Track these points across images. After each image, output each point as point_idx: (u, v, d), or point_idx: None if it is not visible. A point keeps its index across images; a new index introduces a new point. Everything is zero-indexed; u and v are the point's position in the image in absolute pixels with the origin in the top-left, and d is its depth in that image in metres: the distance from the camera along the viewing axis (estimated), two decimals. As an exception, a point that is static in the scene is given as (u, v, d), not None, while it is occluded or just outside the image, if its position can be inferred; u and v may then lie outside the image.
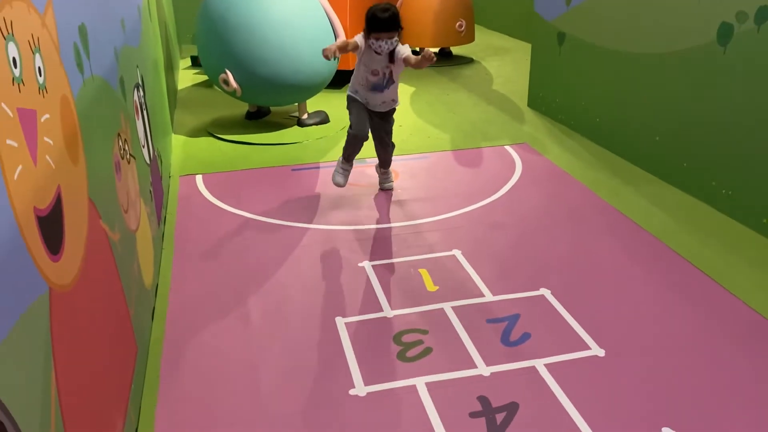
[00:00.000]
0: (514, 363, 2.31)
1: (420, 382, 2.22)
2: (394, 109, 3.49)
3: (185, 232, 3.32)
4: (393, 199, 3.65)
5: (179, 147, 4.57)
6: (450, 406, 2.12)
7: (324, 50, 3.11)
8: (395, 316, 2.60)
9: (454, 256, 3.05)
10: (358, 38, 3.23)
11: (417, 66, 3.14)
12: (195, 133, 4.85)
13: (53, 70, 1.56)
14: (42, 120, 1.42)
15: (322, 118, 4.97)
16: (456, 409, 2.10)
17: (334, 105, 5.32)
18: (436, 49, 7.29)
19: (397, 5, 6.83)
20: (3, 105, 1.20)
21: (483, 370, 2.28)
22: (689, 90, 3.52)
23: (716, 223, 3.32)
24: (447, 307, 2.65)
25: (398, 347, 2.41)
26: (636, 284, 2.80)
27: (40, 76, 1.45)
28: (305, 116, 4.92)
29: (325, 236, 3.26)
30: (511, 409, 2.10)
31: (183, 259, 3.05)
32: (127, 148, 2.44)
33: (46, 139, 1.43)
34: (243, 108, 5.19)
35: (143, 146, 2.91)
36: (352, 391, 2.19)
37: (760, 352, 2.35)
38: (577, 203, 3.58)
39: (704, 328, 2.49)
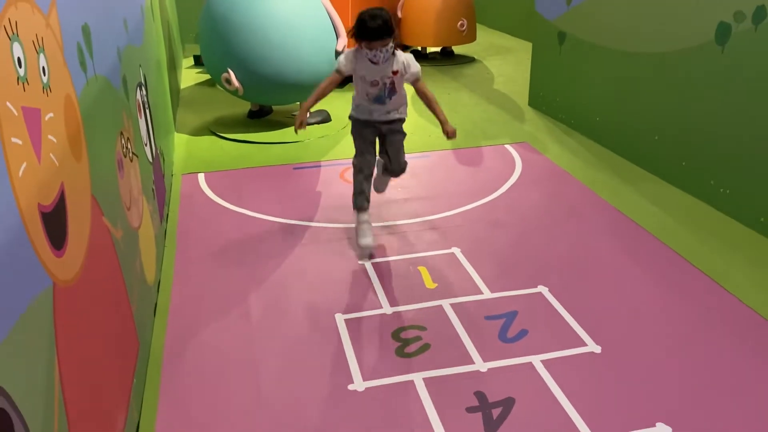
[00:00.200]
0: (511, 359, 2.34)
1: (418, 378, 2.25)
2: (403, 120, 3.06)
3: (187, 230, 3.35)
4: (393, 197, 3.68)
5: (182, 145, 4.60)
6: (447, 401, 2.15)
7: (295, 126, 3.01)
8: (394, 312, 2.63)
9: (453, 254, 3.08)
10: (342, 60, 2.90)
11: (427, 104, 2.97)
12: (197, 131, 4.89)
13: (57, 69, 1.59)
14: (46, 118, 1.45)
15: (324, 117, 5.00)
16: (453, 404, 2.13)
17: (336, 104, 5.34)
18: (438, 49, 7.32)
19: (399, 5, 6.86)
20: (8, 104, 1.23)
21: (480, 366, 2.31)
22: (688, 89, 3.54)
23: (714, 221, 3.34)
24: (446, 304, 2.68)
25: (397, 343, 2.44)
26: (634, 282, 2.82)
27: (44, 75, 1.48)
28: (307, 115, 4.94)
29: (326, 234, 3.29)
30: (507, 404, 2.13)
31: (185, 257, 3.09)
32: (129, 146, 2.47)
33: (50, 137, 1.46)
34: (245, 107, 5.22)
35: (146, 145, 2.95)
36: (350, 387, 2.22)
37: (756, 349, 2.38)
38: (576, 202, 3.60)
39: (701, 325, 2.52)
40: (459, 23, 6.72)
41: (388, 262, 3.02)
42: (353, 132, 3.08)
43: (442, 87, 6.06)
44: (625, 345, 2.41)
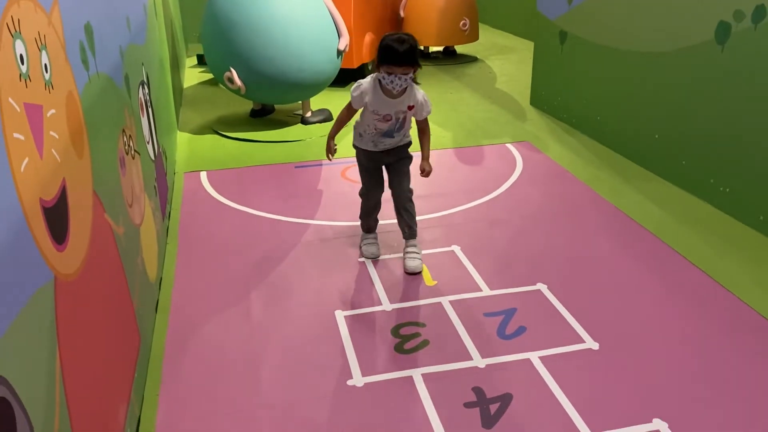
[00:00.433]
0: (509, 355, 2.36)
1: (416, 374, 2.27)
2: (409, 143, 2.92)
3: (189, 228, 3.37)
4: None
5: (184, 144, 4.63)
6: (445, 397, 2.16)
7: (328, 156, 2.92)
8: (394, 309, 2.65)
9: (453, 251, 3.09)
10: (355, 94, 2.76)
11: (420, 137, 2.84)
12: (200, 130, 4.92)
13: (59, 66, 1.61)
14: (48, 115, 1.48)
15: (326, 116, 5.02)
16: (451, 400, 2.15)
17: (338, 103, 5.36)
18: (440, 48, 7.33)
19: (401, 5, 6.88)
20: (10, 100, 1.25)
21: (478, 362, 2.33)
22: (688, 88, 3.55)
23: (714, 220, 3.35)
24: (445, 301, 2.70)
25: (396, 340, 2.46)
26: (633, 280, 2.83)
27: (47, 72, 1.50)
28: (309, 114, 4.97)
29: (327, 232, 3.31)
30: (505, 399, 2.14)
31: (187, 254, 3.11)
32: (131, 144, 2.50)
33: (51, 133, 1.48)
34: (247, 106, 5.25)
35: (148, 143, 2.97)
36: (349, 382, 2.24)
37: (754, 347, 2.39)
38: (576, 200, 3.61)
39: (699, 323, 2.53)
40: (461, 23, 6.74)
41: (388, 259, 3.04)
42: (358, 163, 2.96)
43: (445, 86, 6.08)
44: (623, 342, 2.42)
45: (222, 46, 4.47)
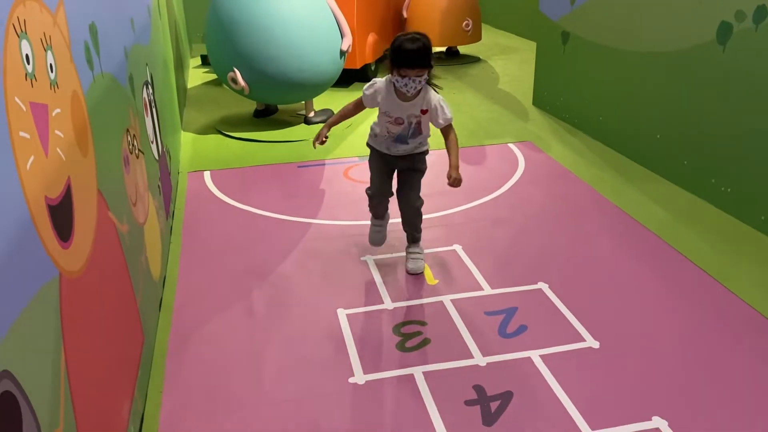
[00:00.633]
0: (510, 354, 2.37)
1: (418, 372, 2.29)
2: (426, 152, 2.81)
3: (193, 227, 3.40)
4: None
5: (188, 144, 4.66)
6: (446, 395, 2.18)
7: (314, 140, 2.78)
8: (395, 308, 2.67)
9: (454, 250, 3.11)
10: (367, 91, 2.67)
11: (447, 146, 2.66)
12: (204, 130, 4.94)
13: (64, 66, 1.63)
14: (53, 114, 1.50)
15: (329, 116, 5.00)
16: (452, 397, 2.16)
17: (341, 103, 5.37)
18: (443, 48, 7.34)
19: (404, 5, 6.90)
20: (16, 99, 1.27)
21: (479, 360, 2.34)
22: (690, 88, 3.56)
23: (715, 220, 3.36)
24: (446, 299, 2.71)
25: (397, 338, 2.48)
26: (634, 279, 2.84)
27: (52, 72, 1.52)
28: (312, 114, 4.99)
29: (329, 231, 3.32)
30: (506, 397, 2.16)
31: (190, 253, 3.13)
32: (135, 143, 2.52)
33: (57, 132, 1.50)
34: (251, 106, 5.27)
35: (152, 142, 2.99)
36: (351, 380, 2.26)
37: (755, 347, 2.39)
38: (578, 200, 3.62)
39: (700, 323, 2.54)
40: (464, 23, 6.75)
41: (390, 258, 3.05)
42: (370, 162, 2.86)
43: (447, 86, 6.09)
44: (624, 341, 2.43)
45: (225, 47, 4.50)
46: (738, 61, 3.20)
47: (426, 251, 3.07)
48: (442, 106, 2.62)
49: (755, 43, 3.08)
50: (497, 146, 4.50)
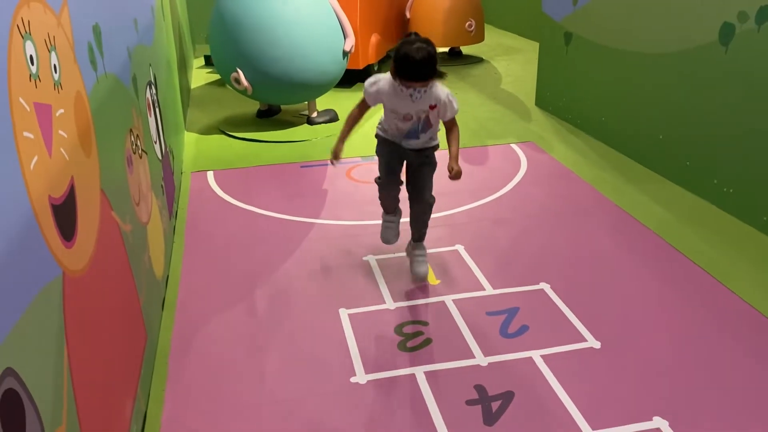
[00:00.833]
0: (512, 354, 2.38)
1: (419, 371, 2.29)
2: (436, 147, 2.71)
3: (196, 226, 3.41)
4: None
5: (191, 144, 4.67)
6: (447, 394, 2.18)
7: (331, 158, 2.69)
8: (397, 308, 2.67)
9: (456, 251, 3.11)
10: (369, 89, 2.57)
11: (448, 137, 2.62)
12: (207, 130, 4.96)
13: (68, 67, 1.64)
14: (57, 114, 1.51)
15: (331, 117, 5.05)
16: (453, 397, 2.17)
17: (343, 104, 5.39)
18: (446, 49, 7.35)
19: (407, 5, 6.91)
20: (20, 99, 1.28)
21: (481, 360, 2.35)
22: (692, 89, 3.56)
23: (718, 220, 3.35)
24: (448, 299, 2.72)
25: (399, 338, 2.48)
26: (636, 280, 2.84)
27: (56, 73, 1.53)
28: (314, 114, 5.00)
29: (332, 231, 3.33)
30: (507, 397, 2.16)
31: (193, 252, 3.14)
32: (139, 143, 2.53)
33: (60, 132, 1.52)
34: (254, 106, 5.28)
35: (155, 142, 3.01)
36: (353, 379, 2.27)
37: (756, 348, 2.39)
38: (580, 200, 3.63)
39: (702, 324, 2.54)
40: (467, 23, 6.75)
41: (392, 258, 3.06)
42: (378, 151, 2.74)
43: (450, 87, 6.06)
44: (626, 341, 2.44)
45: (229, 47, 4.51)
46: (740, 62, 3.20)
47: (428, 251, 3.07)
48: (450, 101, 2.54)
49: (758, 43, 3.08)
50: (500, 146, 4.50)
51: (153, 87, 3.13)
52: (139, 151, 2.53)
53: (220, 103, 5.63)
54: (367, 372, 2.30)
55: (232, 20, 4.44)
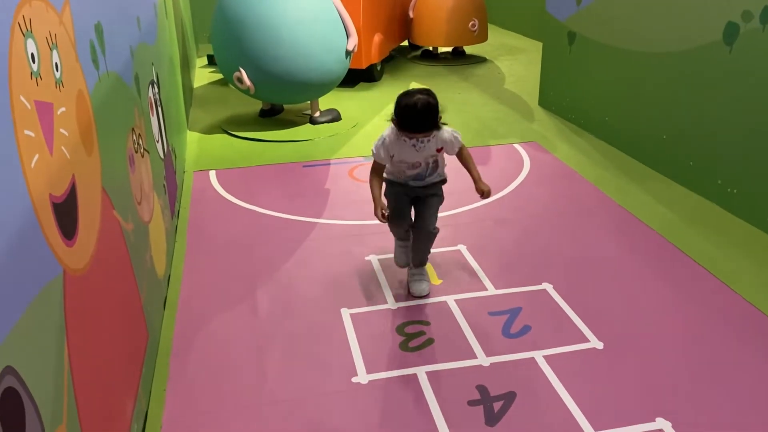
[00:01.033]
0: (514, 354, 2.37)
1: (421, 371, 2.29)
2: (444, 181, 2.73)
3: (198, 226, 3.41)
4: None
5: (194, 143, 4.67)
6: (449, 394, 2.18)
7: (379, 217, 2.56)
8: (399, 308, 2.67)
9: (459, 250, 3.11)
10: (377, 152, 2.56)
11: (463, 163, 2.65)
12: (209, 129, 4.96)
13: (70, 65, 1.64)
14: (58, 113, 1.50)
15: (334, 116, 5.04)
16: (455, 397, 2.16)
17: (346, 104, 5.40)
18: (449, 48, 7.34)
19: (411, 5, 6.90)
20: (22, 98, 1.28)
21: (483, 360, 2.34)
22: (696, 89, 3.55)
23: (721, 221, 3.34)
24: (450, 299, 2.71)
25: (401, 338, 2.48)
26: (639, 280, 2.83)
27: (57, 71, 1.53)
28: (317, 114, 5.00)
29: (334, 231, 3.33)
30: (509, 397, 2.15)
31: (195, 251, 3.14)
32: (141, 142, 2.53)
33: (61, 130, 1.51)
34: (257, 106, 5.28)
35: (157, 141, 3.00)
36: (354, 379, 2.26)
37: (760, 349, 2.38)
38: (583, 200, 3.62)
39: (705, 324, 2.53)
40: (470, 23, 6.75)
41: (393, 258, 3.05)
42: (386, 193, 2.70)
43: (453, 87, 6.09)
44: (628, 342, 2.43)
45: (231, 47, 4.51)
46: (745, 62, 3.19)
47: (430, 251, 3.07)
48: (455, 138, 2.58)
49: (762, 43, 3.07)
50: (503, 146, 4.49)
51: (155, 86, 3.13)
52: (141, 150, 2.53)
53: (222, 102, 5.63)
54: (368, 372, 2.29)
55: (235, 19, 4.44)
